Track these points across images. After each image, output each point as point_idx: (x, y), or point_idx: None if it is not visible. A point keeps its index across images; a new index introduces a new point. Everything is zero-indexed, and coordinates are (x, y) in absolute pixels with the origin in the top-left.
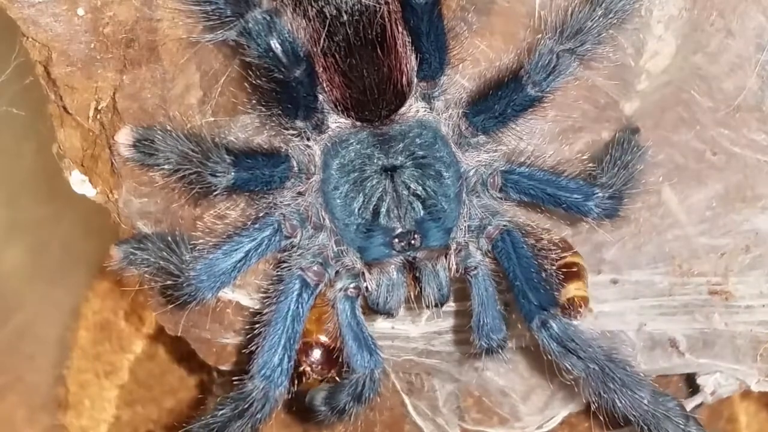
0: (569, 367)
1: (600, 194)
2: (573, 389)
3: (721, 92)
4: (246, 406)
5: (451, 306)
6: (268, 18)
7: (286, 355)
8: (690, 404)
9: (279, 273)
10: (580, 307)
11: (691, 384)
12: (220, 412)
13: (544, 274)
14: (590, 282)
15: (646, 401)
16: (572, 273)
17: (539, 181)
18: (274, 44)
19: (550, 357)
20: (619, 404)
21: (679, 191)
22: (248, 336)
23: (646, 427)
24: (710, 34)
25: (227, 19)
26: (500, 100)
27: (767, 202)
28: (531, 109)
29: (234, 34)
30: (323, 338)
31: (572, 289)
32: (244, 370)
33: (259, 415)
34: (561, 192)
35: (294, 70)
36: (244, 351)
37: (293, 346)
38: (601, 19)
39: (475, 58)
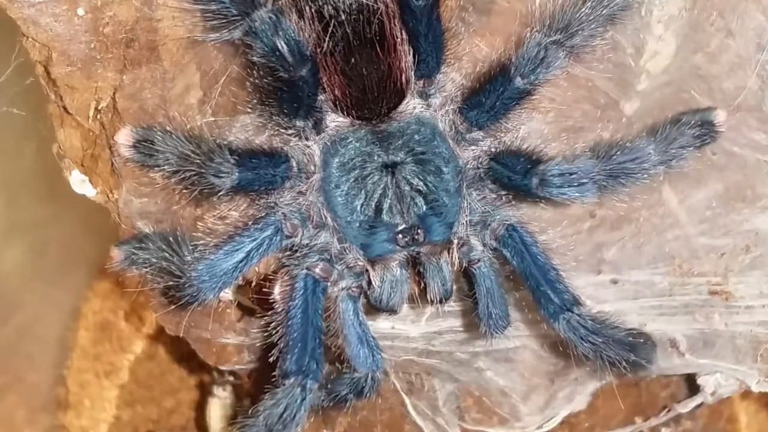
0: (587, 353)
1: (543, 170)
2: (573, 389)
3: (721, 92)
4: (288, 405)
5: (451, 306)
6: (274, 17)
7: (315, 348)
8: (690, 404)
9: (286, 277)
10: None
11: (691, 384)
12: (261, 417)
13: (559, 270)
14: (590, 282)
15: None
16: None
17: (502, 163)
18: (281, 44)
19: (573, 349)
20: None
21: (679, 191)
22: (266, 342)
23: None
24: (710, 34)
25: (233, 19)
26: (490, 95)
27: (767, 202)
28: (521, 102)
29: (239, 33)
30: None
31: None
32: (256, 372)
33: (301, 411)
34: (508, 171)
35: (299, 69)
36: (269, 356)
37: (320, 337)
38: (589, 12)
39: (475, 57)
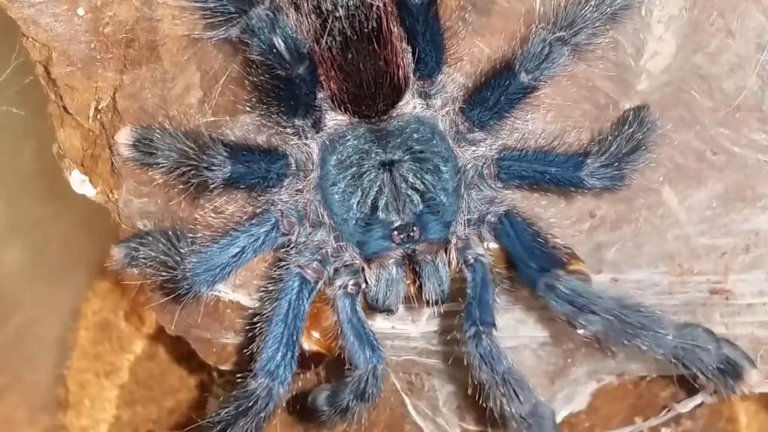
0: (584, 324)
1: (591, 162)
2: (573, 389)
3: (721, 92)
4: (250, 404)
5: (451, 306)
6: (271, 15)
7: (288, 352)
8: (690, 404)
9: (278, 272)
10: None
11: (692, 383)
12: (224, 411)
13: (542, 240)
14: None
15: (670, 336)
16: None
17: (530, 161)
18: (278, 41)
19: (562, 319)
20: (645, 348)
21: (679, 191)
22: (249, 335)
23: (679, 362)
24: (710, 34)
25: (230, 17)
26: (494, 90)
27: (767, 202)
28: (525, 99)
29: (237, 31)
30: (306, 345)
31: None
32: (246, 370)
33: (263, 414)
34: (551, 167)
35: (297, 67)
36: (245, 351)
37: (295, 342)
38: (593, 10)
39: (475, 57)
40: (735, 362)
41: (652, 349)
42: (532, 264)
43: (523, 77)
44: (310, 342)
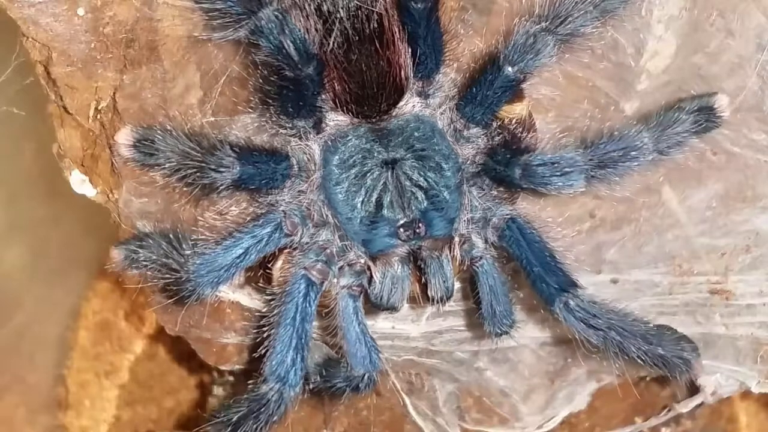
0: (592, 339)
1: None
2: (573, 389)
3: (721, 92)
4: (261, 408)
5: (451, 305)
6: (280, 16)
7: (299, 355)
8: (690, 404)
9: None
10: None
11: (691, 384)
12: (234, 412)
13: (556, 255)
14: (590, 282)
15: (660, 349)
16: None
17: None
18: (287, 42)
19: (574, 335)
20: (635, 356)
21: (679, 191)
22: (256, 339)
23: (654, 366)
24: (710, 34)
25: (238, 18)
26: (481, 86)
27: (767, 202)
28: (513, 92)
29: (245, 32)
30: None
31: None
32: (251, 371)
33: (274, 417)
34: (494, 163)
35: (305, 68)
36: (254, 354)
37: (305, 345)
38: (580, 1)
39: (474, 57)
40: (688, 358)
41: (641, 358)
42: (549, 280)
43: (508, 70)
44: None
